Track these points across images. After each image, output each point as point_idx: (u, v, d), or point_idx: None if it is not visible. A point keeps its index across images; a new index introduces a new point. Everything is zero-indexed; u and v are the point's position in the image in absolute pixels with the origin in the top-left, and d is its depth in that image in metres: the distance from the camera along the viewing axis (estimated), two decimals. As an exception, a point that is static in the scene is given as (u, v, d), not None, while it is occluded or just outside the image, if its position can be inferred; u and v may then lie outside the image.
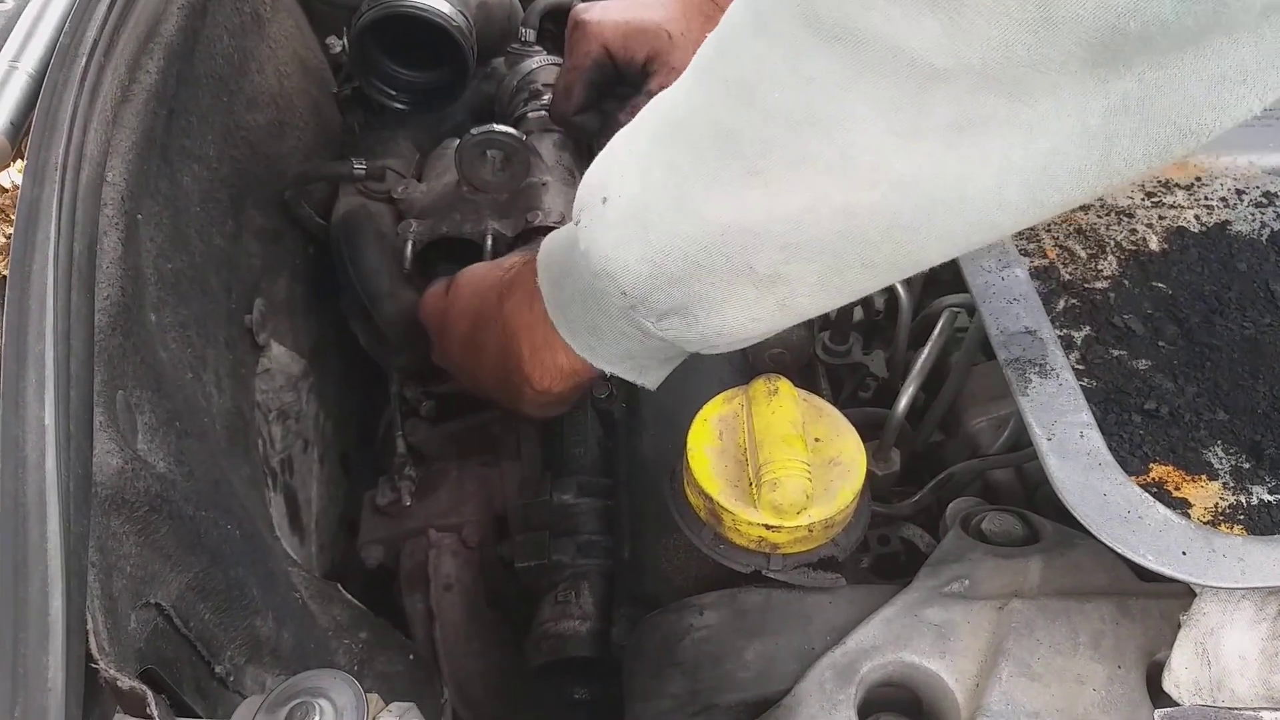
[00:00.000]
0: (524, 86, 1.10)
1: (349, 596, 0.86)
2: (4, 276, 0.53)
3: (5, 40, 0.62)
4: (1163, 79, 0.44)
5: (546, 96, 1.07)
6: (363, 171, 1.00)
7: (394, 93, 1.04)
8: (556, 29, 1.24)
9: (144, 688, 0.47)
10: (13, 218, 0.55)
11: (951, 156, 0.47)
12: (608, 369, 0.70)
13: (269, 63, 1.06)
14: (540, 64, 1.12)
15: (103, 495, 0.53)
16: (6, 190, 0.56)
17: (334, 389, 1.11)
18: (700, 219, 0.54)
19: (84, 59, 0.59)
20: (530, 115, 1.05)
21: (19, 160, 0.57)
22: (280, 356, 1.02)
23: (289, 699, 0.51)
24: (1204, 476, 0.71)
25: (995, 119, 0.46)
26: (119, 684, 0.46)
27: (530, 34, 1.17)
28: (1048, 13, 0.41)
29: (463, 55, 0.99)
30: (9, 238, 0.55)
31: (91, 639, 0.46)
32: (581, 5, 0.89)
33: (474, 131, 0.93)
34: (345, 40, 1.00)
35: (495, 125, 0.94)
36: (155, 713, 0.46)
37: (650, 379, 0.71)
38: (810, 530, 0.63)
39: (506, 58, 1.16)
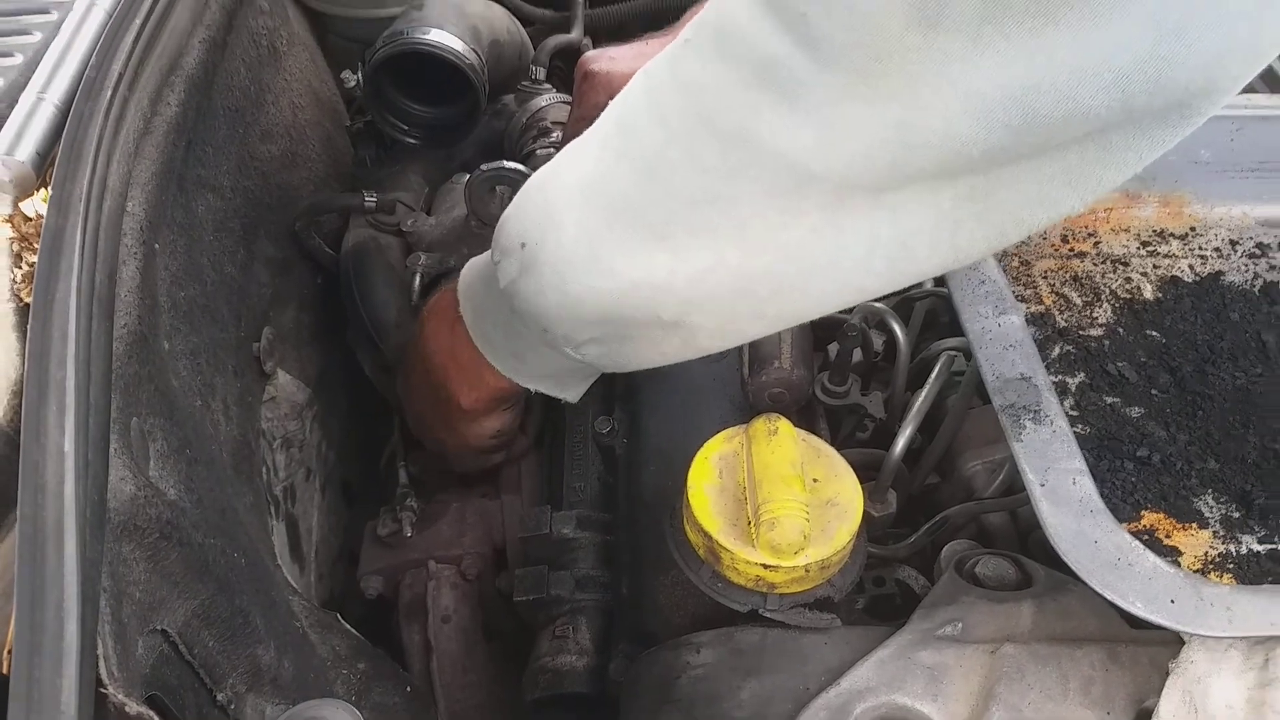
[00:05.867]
0: (533, 124, 1.12)
1: (348, 627, 0.86)
2: (27, 305, 0.55)
3: (33, 72, 0.64)
4: (1004, 176, 0.50)
5: (555, 134, 1.09)
6: (374, 204, 1.02)
7: (406, 127, 1.06)
8: (566, 67, 1.27)
9: (151, 714, 0.48)
10: (36, 246, 0.57)
11: (828, 231, 0.54)
12: (532, 387, 0.77)
13: (284, 95, 1.08)
14: (549, 101, 1.14)
15: (115, 521, 0.54)
16: (30, 219, 0.57)
17: (338, 419, 1.12)
18: (611, 275, 0.61)
19: (109, 92, 0.61)
20: (539, 152, 1.07)
21: (44, 189, 0.58)
22: (286, 385, 1.03)
23: (289, 728, 0.52)
24: (1195, 525, 0.73)
25: (861, 204, 0.53)
26: (126, 709, 0.47)
27: (540, 72, 1.19)
28: (903, 136, 0.48)
29: (474, 92, 1.01)
30: (32, 266, 0.56)
31: (101, 664, 0.47)
32: (590, 54, 0.92)
33: (484, 167, 0.95)
34: (359, 75, 1.02)
35: (505, 161, 0.95)
36: (161, 739, 0.47)
37: (571, 394, 0.79)
38: (807, 571, 0.64)
39: (516, 95, 1.18)
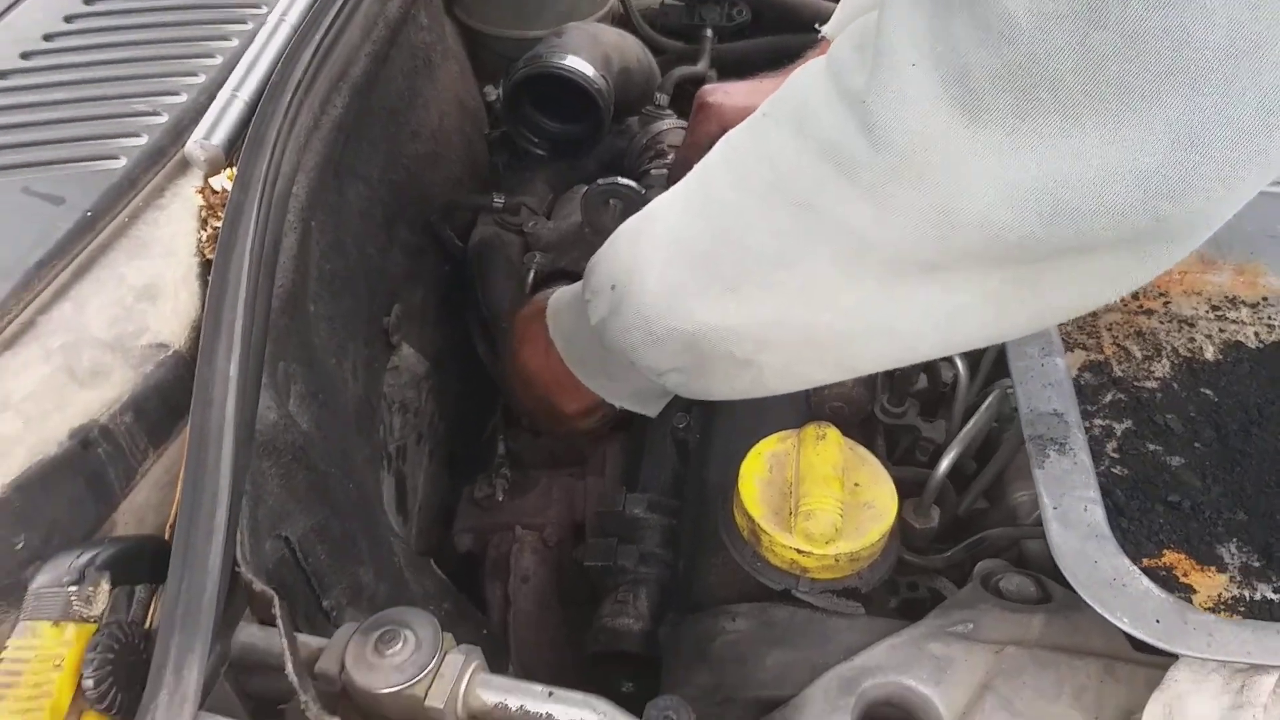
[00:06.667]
0: (652, 145, 1.22)
1: (438, 571, 0.97)
2: (209, 261, 0.67)
3: (229, 73, 0.77)
4: (1046, 268, 0.55)
5: (670, 155, 1.19)
6: (500, 205, 1.14)
7: (536, 140, 1.18)
8: (690, 95, 1.37)
9: (271, 592, 0.58)
10: (220, 215, 0.69)
11: (884, 297, 0.60)
12: (618, 404, 0.87)
13: (433, 102, 1.21)
14: (669, 126, 1.24)
15: (260, 440, 0.66)
16: (217, 192, 0.70)
17: (450, 392, 1.24)
18: (689, 319, 0.68)
19: (289, 95, 0.73)
20: (653, 171, 1.17)
21: (229, 169, 0.71)
22: (409, 357, 1.16)
23: (380, 626, 0.63)
24: (1213, 568, 0.77)
25: (916, 277, 0.58)
26: (254, 586, 0.58)
27: (664, 99, 1.29)
28: (946, 218, 0.53)
29: (599, 114, 1.12)
30: (216, 230, 0.69)
31: (238, 548, 0.58)
32: (708, 87, 1.01)
33: (599, 182, 1.06)
34: (500, 90, 1.14)
35: (619, 178, 1.06)
36: (279, 614, 0.58)
37: (652, 409, 0.88)
38: (836, 560, 0.72)
39: (640, 117, 1.29)
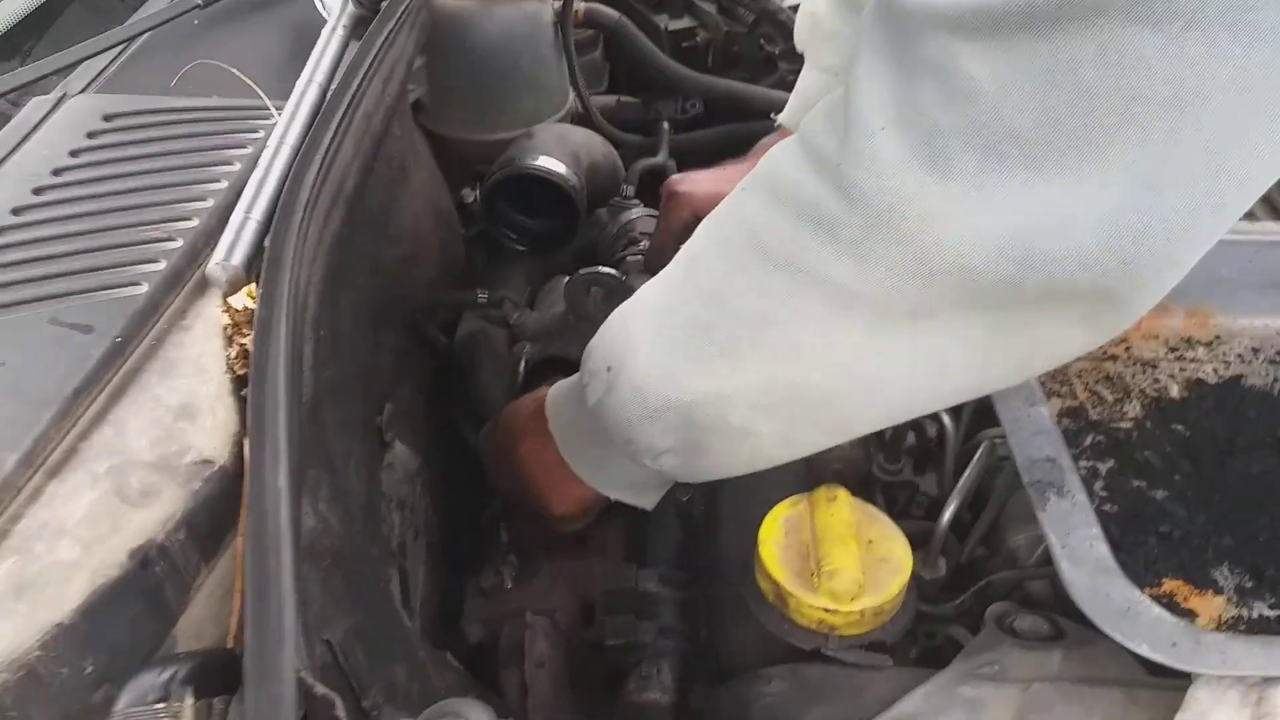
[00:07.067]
0: (624, 233, 1.27)
1: (456, 664, 0.98)
2: (239, 376, 0.69)
3: (237, 195, 0.79)
4: (1027, 315, 0.58)
5: (643, 243, 1.23)
6: (485, 299, 1.17)
7: (515, 236, 1.22)
8: (652, 185, 1.43)
9: (333, 694, 0.60)
10: (244, 331, 0.72)
11: (873, 350, 0.63)
12: (612, 495, 0.86)
13: (409, 207, 1.25)
14: (638, 215, 1.29)
15: (300, 547, 0.67)
16: (240, 310, 0.72)
17: (442, 487, 1.26)
18: (684, 387, 0.70)
19: (300, 214, 0.76)
20: (629, 259, 1.21)
21: (249, 287, 0.74)
22: (402, 453, 1.17)
23: (441, 716, 0.64)
24: (1210, 591, 0.82)
25: (902, 327, 0.61)
26: (315, 690, 0.60)
27: (630, 189, 1.35)
28: (925, 267, 0.56)
29: (574, 209, 1.17)
30: (241, 346, 0.71)
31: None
32: (675, 177, 1.07)
33: (581, 271, 1.09)
34: (477, 193, 1.18)
35: (600, 266, 1.10)
36: (342, 715, 0.59)
37: (647, 502, 0.88)
38: (862, 615, 0.75)
39: (609, 208, 1.34)
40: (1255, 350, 1.05)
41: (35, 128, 0.85)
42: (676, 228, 1.12)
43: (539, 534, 1.14)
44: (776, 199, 0.63)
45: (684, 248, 0.73)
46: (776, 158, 0.65)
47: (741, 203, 0.67)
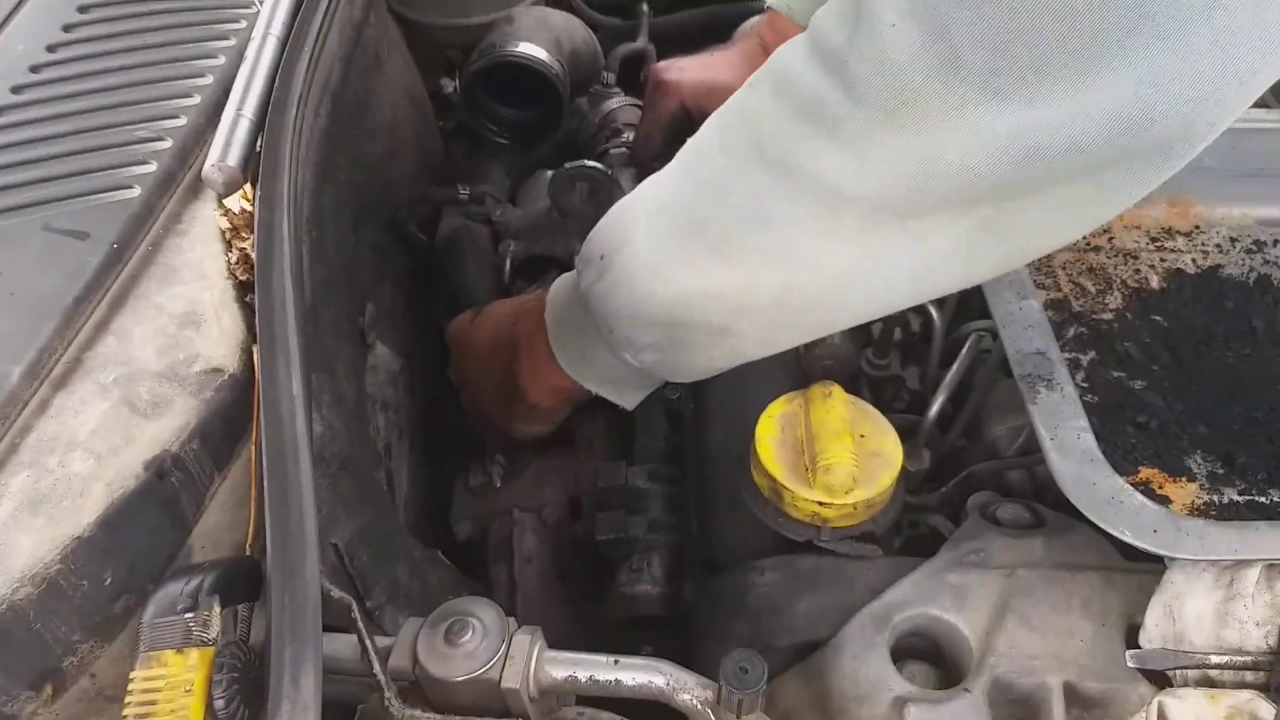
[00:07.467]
0: (606, 124, 1.25)
1: (448, 562, 1.00)
2: (242, 281, 0.69)
3: (225, 91, 0.77)
4: (1014, 208, 0.59)
5: (626, 134, 1.22)
6: (467, 196, 1.16)
7: (496, 128, 1.19)
8: (632, 71, 1.40)
9: (350, 597, 0.61)
10: (244, 236, 0.71)
11: (859, 252, 0.64)
12: (594, 389, 0.87)
13: (385, 99, 1.21)
14: (619, 104, 1.27)
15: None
16: (237, 214, 0.71)
17: (424, 387, 1.26)
18: (672, 283, 0.71)
19: (294, 110, 0.74)
20: (612, 151, 1.20)
21: (245, 189, 0.72)
22: (384, 355, 1.17)
23: (447, 617, 0.65)
24: (1184, 479, 0.85)
25: (890, 229, 0.62)
26: (331, 594, 0.61)
27: (611, 77, 1.32)
28: (924, 166, 0.56)
29: (558, 97, 1.15)
30: (242, 250, 0.70)
31: (312, 558, 0.60)
32: (661, 64, 1.04)
33: (567, 166, 1.08)
34: (456, 82, 1.16)
35: (585, 161, 1.08)
36: (358, 617, 0.61)
37: (628, 401, 0.89)
38: (855, 508, 0.77)
39: (589, 97, 1.31)
40: (1233, 240, 1.07)
41: (6, 20, 0.81)
42: (664, 117, 1.11)
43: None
44: (779, 94, 0.63)
45: (692, 141, 0.72)
46: (783, 53, 0.65)
47: (746, 97, 0.67)
